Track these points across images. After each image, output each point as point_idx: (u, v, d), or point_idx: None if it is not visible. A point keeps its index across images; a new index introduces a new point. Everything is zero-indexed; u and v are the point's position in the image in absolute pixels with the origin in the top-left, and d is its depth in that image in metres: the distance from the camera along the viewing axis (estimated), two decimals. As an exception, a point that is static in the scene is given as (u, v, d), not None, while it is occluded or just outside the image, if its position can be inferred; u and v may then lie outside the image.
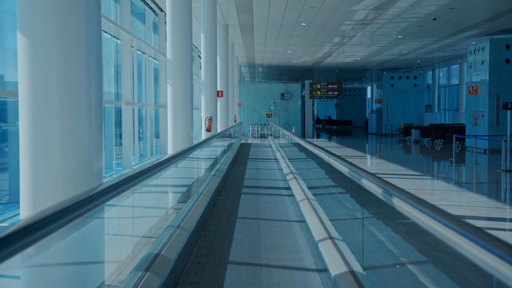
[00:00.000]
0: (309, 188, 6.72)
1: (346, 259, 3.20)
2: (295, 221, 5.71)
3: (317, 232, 4.14)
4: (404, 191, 1.98)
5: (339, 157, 3.69)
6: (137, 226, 4.14)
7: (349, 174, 3.08)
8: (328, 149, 5.25)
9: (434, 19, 16.42)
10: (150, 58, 16.12)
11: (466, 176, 12.65)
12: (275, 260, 4.19)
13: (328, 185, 5.84)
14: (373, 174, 2.52)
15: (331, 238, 3.80)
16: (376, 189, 2.32)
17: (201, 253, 4.29)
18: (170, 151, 8.88)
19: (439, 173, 13.68)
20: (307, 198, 5.79)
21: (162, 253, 3.50)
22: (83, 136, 3.30)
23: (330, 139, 30.08)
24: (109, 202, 3.17)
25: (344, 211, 4.24)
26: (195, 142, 8.13)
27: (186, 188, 6.17)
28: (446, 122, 33.64)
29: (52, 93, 3.18)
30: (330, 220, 4.34)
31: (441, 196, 9.36)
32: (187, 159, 6.03)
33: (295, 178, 7.91)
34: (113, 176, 12.03)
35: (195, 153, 6.55)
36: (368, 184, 2.51)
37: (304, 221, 5.19)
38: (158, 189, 5.09)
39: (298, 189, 6.88)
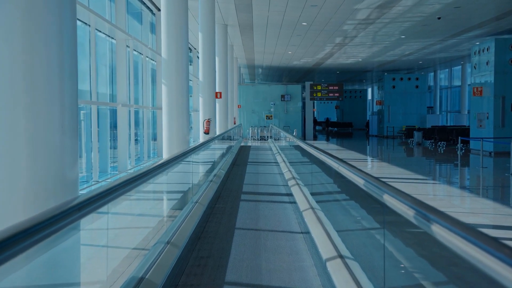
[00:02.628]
0: (313, 194, 6.27)
1: (361, 285, 2.74)
2: (299, 232, 5.25)
3: (325, 248, 3.67)
4: (446, 216, 1.53)
5: (351, 165, 3.23)
6: (121, 242, 3.69)
7: (366, 187, 2.62)
8: (329, 152, 4.80)
9: (439, 18, 15.97)
10: (147, 58, 15.67)
11: (474, 180, 12.19)
12: (278, 280, 3.73)
13: (334, 193, 5.38)
14: (399, 190, 2.06)
15: (341, 256, 3.33)
16: (405, 210, 1.87)
17: (191, 282, 3.80)
18: (165, 155, 8.42)
19: (445, 177, 13.21)
20: (312, 208, 5.32)
21: (147, 276, 3.04)
22: (54, 141, 2.84)
23: (328, 140, 29.63)
24: (86, 218, 2.74)
25: (356, 226, 3.77)
26: (192, 145, 7.68)
27: (180, 197, 5.71)
28: (448, 124, 33.21)
29: (18, 92, 2.72)
30: (339, 235, 3.87)
31: (451, 202, 8.90)
32: (183, 162, 5.58)
33: (298, 184, 7.44)
34: (108, 180, 11.58)
35: (190, 158, 6.10)
36: (393, 202, 2.05)
37: (308, 232, 4.74)
38: (148, 197, 4.64)
39: (301, 196, 6.41)
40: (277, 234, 5.28)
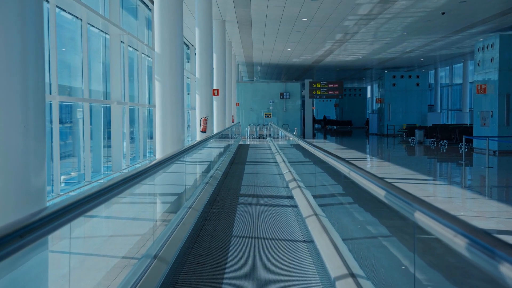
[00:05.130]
0: (315, 197, 5.84)
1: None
2: (302, 241, 4.82)
3: (333, 265, 3.24)
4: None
5: (367, 172, 2.80)
6: (101, 258, 3.25)
7: (388, 199, 2.18)
8: (336, 155, 4.37)
9: (443, 13, 15.53)
10: (143, 55, 15.21)
11: (481, 181, 11.75)
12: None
13: (339, 196, 4.95)
14: (439, 209, 1.62)
15: (352, 275, 2.90)
16: (451, 237, 1.41)
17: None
18: (158, 155, 7.97)
19: (450, 177, 12.77)
20: (315, 214, 4.88)
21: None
22: (15, 144, 2.40)
23: (325, 138, 29.21)
24: (56, 233, 2.31)
25: (372, 242, 3.33)
26: (187, 145, 7.23)
27: (172, 201, 5.27)
28: (449, 122, 32.82)
29: (-31, 84, 2.28)
30: (347, 247, 3.44)
31: (459, 205, 8.47)
32: (178, 162, 5.15)
33: (299, 186, 7.01)
34: (101, 180, 11.14)
35: (185, 159, 5.66)
36: (430, 224, 1.60)
37: (312, 241, 4.32)
38: (136, 201, 4.20)
39: (303, 200, 5.98)
40: (279, 245, 4.84)
